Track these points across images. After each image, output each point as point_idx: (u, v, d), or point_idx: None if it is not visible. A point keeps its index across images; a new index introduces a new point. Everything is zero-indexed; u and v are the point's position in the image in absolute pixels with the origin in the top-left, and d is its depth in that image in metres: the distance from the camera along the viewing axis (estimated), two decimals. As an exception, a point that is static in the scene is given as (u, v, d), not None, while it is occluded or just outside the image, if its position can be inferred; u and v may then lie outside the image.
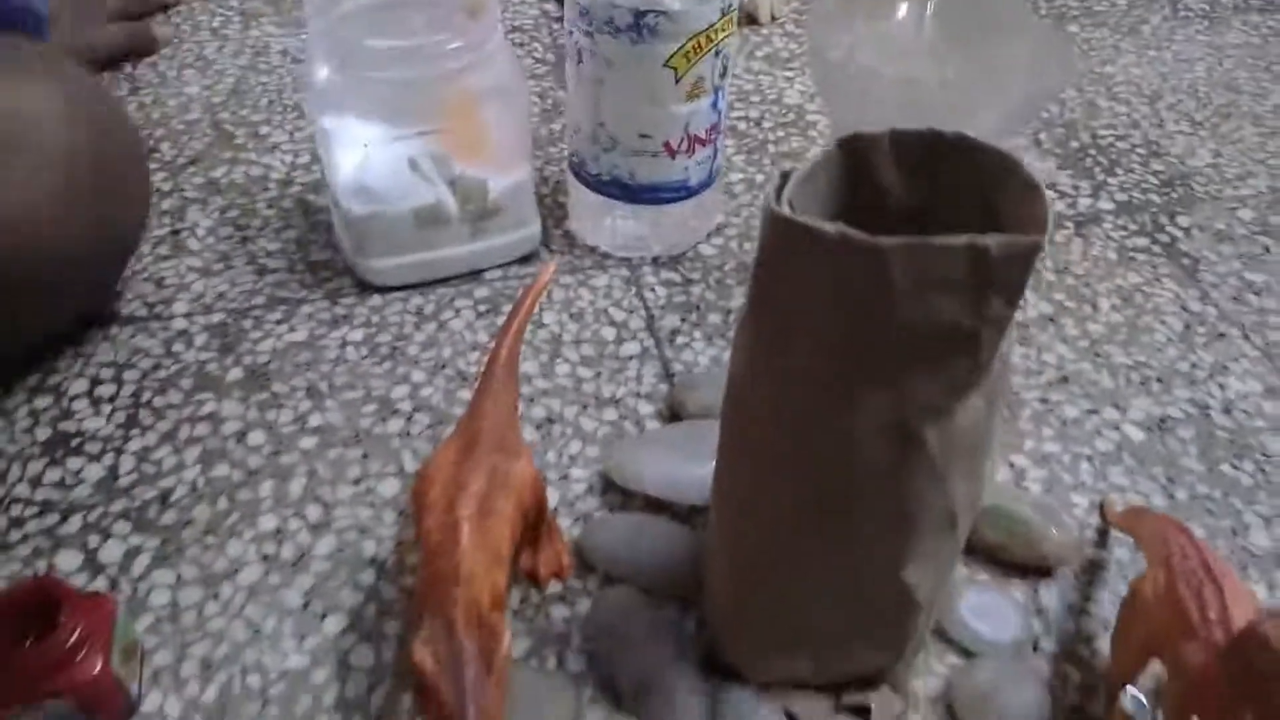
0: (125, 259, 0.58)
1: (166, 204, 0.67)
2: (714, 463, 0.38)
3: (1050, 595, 0.46)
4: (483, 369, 0.44)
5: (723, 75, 0.57)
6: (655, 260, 0.64)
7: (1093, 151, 0.75)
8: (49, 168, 0.49)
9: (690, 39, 0.53)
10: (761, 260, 0.30)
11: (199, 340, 0.58)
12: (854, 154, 0.31)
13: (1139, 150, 0.75)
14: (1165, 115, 0.79)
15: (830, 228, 0.27)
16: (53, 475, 0.51)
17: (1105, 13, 0.93)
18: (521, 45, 0.85)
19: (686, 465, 0.48)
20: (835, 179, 0.32)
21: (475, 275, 0.62)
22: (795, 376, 0.31)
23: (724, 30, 0.54)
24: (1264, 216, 0.69)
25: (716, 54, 0.55)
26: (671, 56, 0.53)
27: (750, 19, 0.87)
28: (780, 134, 0.75)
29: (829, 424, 0.31)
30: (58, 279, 0.51)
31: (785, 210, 0.29)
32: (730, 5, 0.54)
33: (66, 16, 0.74)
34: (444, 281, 0.61)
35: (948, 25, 0.65)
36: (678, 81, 0.55)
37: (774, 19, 0.88)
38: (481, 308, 0.60)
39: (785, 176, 0.30)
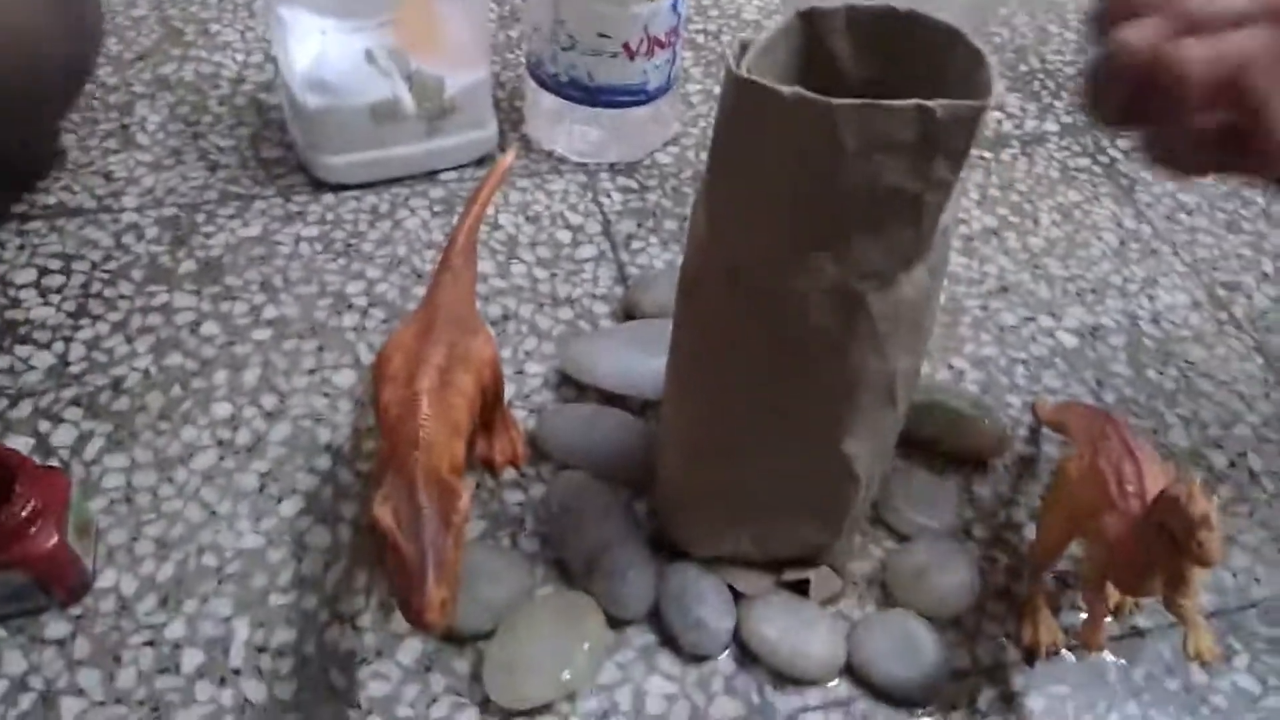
0: (81, 84, 0.58)
1: (114, 99, 0.66)
2: (667, 356, 0.40)
3: (983, 486, 0.49)
4: (442, 253, 0.44)
5: (683, -23, 0.57)
6: (612, 167, 0.64)
7: (1041, 75, 0.76)
8: None
9: (651, -62, 0.53)
10: (721, 124, 0.31)
11: (150, 233, 0.57)
12: (811, 26, 0.32)
13: (1085, 76, 0.77)
14: (1112, 44, 0.81)
15: (786, 89, 0.28)
16: (1, 362, 0.50)
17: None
18: (478, -49, 0.84)
19: (640, 360, 0.50)
20: (793, 51, 0.32)
21: (430, 176, 0.62)
22: (750, 239, 0.32)
23: (685, -70, 0.54)
24: (1200, 142, 0.72)
25: (677, -46, 0.55)
26: (632, -45, 0.53)
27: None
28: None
29: (780, 287, 0.32)
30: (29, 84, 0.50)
31: (743, 70, 0.29)
32: (692, -96, 0.54)
33: None
34: (398, 181, 0.61)
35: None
36: (638, -20, 0.55)
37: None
38: (437, 208, 0.60)
39: (745, 46, 0.31)
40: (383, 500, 0.33)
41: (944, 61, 0.31)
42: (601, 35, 0.57)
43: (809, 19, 0.32)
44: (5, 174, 0.57)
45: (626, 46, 0.57)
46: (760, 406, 0.36)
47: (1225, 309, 0.59)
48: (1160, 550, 0.34)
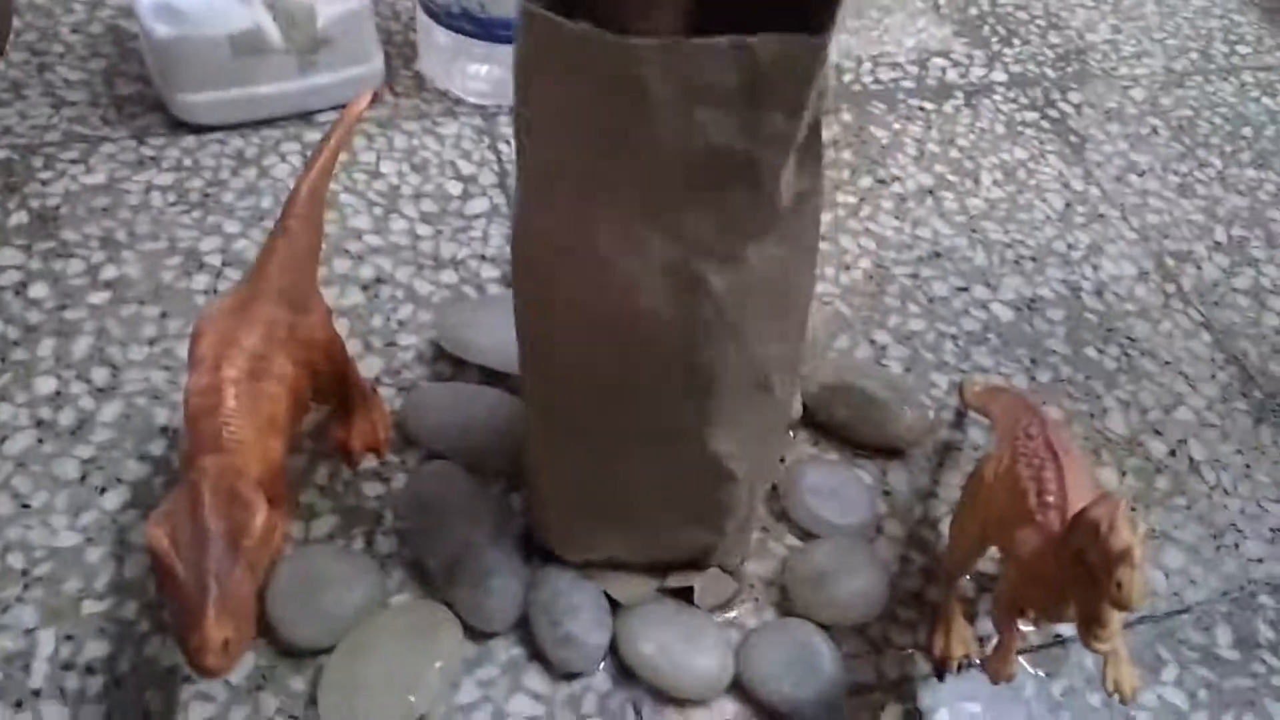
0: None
1: (-51, 21, 0.58)
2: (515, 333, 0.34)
3: (899, 477, 0.44)
4: (283, 207, 0.38)
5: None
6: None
7: (991, 20, 0.70)
8: None
9: None
10: (518, 68, 0.25)
11: (-23, 178, 0.50)
12: None
13: (1038, 21, 0.71)
14: (1070, -14, 0.75)
15: (573, 24, 0.23)
16: None
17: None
18: None
19: (523, 332, 0.44)
20: None
21: (306, 117, 0.55)
22: (572, 212, 0.27)
23: None
24: (1155, 97, 0.67)
25: None
26: None
27: None
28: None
29: (607, 267, 0.27)
30: None
31: (535, 6, 0.23)
32: None
33: None
34: (269, 123, 0.54)
35: None
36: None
37: None
38: (310, 153, 0.53)
39: None
40: (160, 518, 0.27)
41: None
42: (493, -39, 0.50)
43: None
44: None
45: (522, -26, 0.51)
46: (612, 400, 0.31)
47: (1174, 280, 0.55)
48: (1076, 580, 0.29)
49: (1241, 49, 0.72)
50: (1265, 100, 0.68)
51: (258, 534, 0.28)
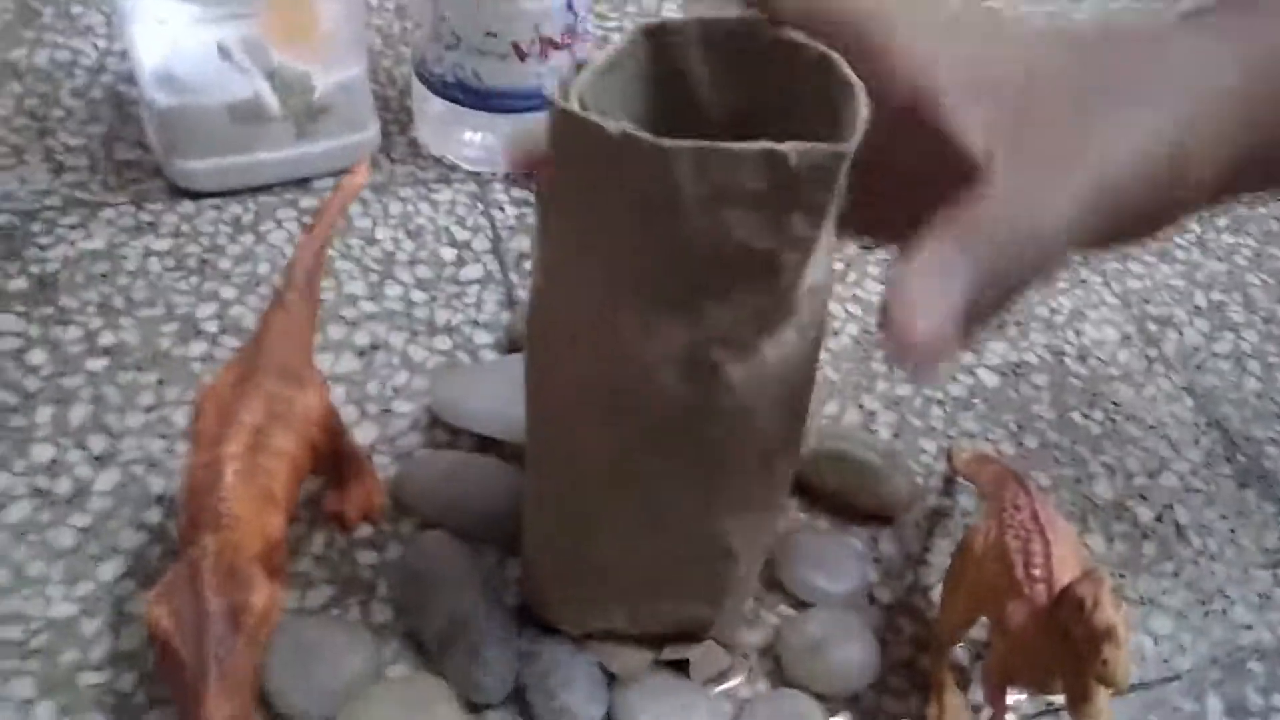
0: None
1: (-48, 86, 0.59)
2: (525, 407, 0.35)
3: (889, 544, 0.45)
4: (281, 279, 0.39)
5: (580, -28, 0.51)
6: (507, 176, 0.59)
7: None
8: None
9: (541, -73, 0.48)
10: (551, 166, 0.26)
11: (-23, 244, 0.51)
12: (659, 44, 0.28)
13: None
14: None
15: (613, 126, 0.24)
16: None
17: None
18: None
19: (520, 401, 0.44)
20: (641, 74, 0.28)
21: (302, 183, 0.56)
22: (592, 299, 0.27)
23: (580, -79, 0.49)
24: (1135, 161, 0.68)
25: (571, -54, 0.50)
26: (519, -54, 0.48)
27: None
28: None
29: (625, 352, 0.27)
30: None
31: (570, 103, 0.24)
32: (587, -108, 0.49)
33: None
34: (266, 189, 0.55)
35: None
36: (527, -25, 0.49)
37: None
38: (306, 219, 0.54)
39: (580, 67, 0.26)
40: (161, 596, 0.28)
41: (814, 89, 0.27)
42: (488, 34, 0.52)
43: (656, 35, 0.27)
44: None
45: (516, 46, 0.52)
46: (619, 479, 0.31)
47: (1155, 345, 0.56)
48: (1063, 655, 0.30)
49: (1216, 115, 0.74)
50: (1240, 165, 0.70)
51: (258, 612, 0.28)
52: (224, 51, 0.49)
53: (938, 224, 0.25)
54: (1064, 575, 0.32)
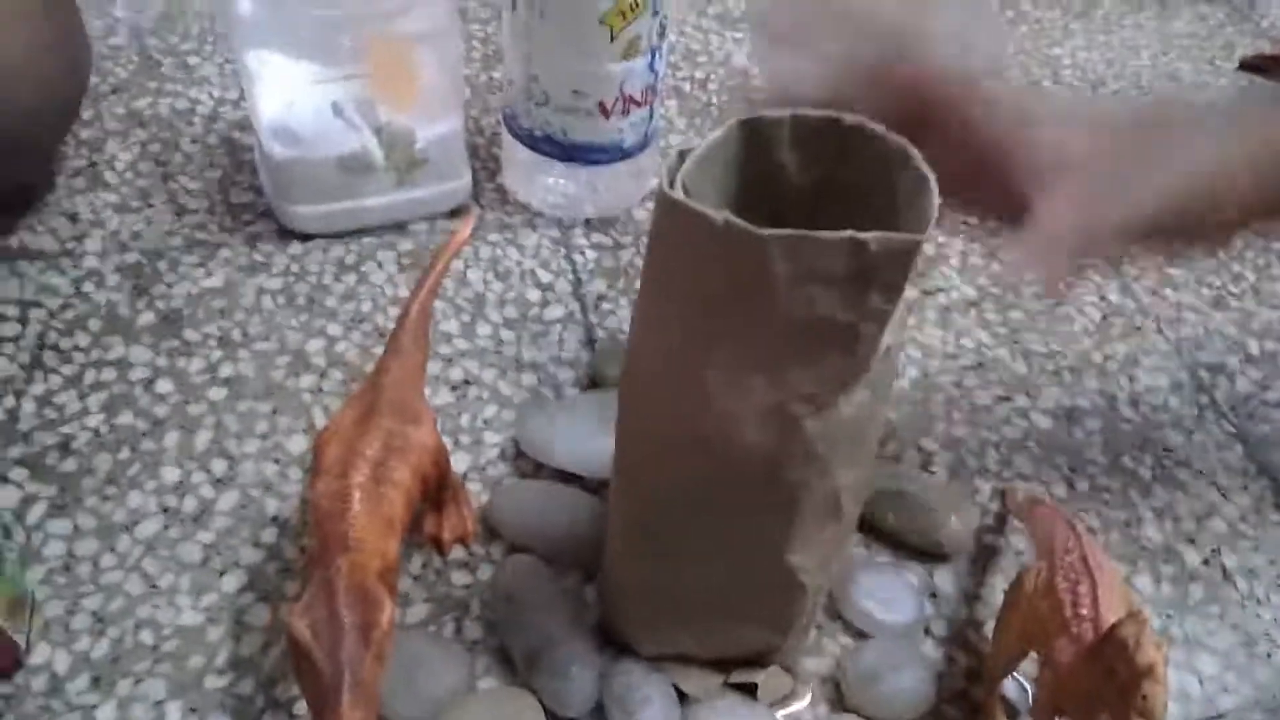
0: (74, 116, 0.61)
1: (85, 134, 0.65)
2: (614, 447, 0.38)
3: (945, 579, 0.48)
4: (392, 330, 0.43)
5: (661, 35, 0.55)
6: (588, 222, 0.63)
7: (1033, 134, 0.75)
8: (24, 17, 0.52)
9: (627, -2, 0.52)
10: (654, 240, 0.30)
11: (111, 281, 0.56)
12: (754, 134, 0.31)
13: (1079, 135, 0.76)
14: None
15: (717, 215, 0.27)
16: (-52, 415, 0.49)
17: (1061, -10, 0.93)
18: (467, -14, 0.82)
19: (598, 437, 0.48)
20: (734, 157, 0.31)
21: (400, 227, 0.60)
22: (684, 358, 0.31)
23: (663, -9, 0.53)
24: (1192, 210, 0.70)
25: (654, 13, 0.54)
26: (608, 13, 0.52)
27: (704, -26, 0.85)
28: (726, 98, 0.74)
29: (714, 407, 0.31)
30: (28, 127, 0.53)
31: (678, 193, 0.28)
32: (670, -34, 0.53)
33: None
34: (367, 232, 0.60)
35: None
36: (613, 39, 0.53)
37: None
38: (404, 260, 0.59)
39: (683, 156, 0.30)
40: (302, 611, 0.32)
41: (892, 176, 0.30)
42: (576, 93, 0.56)
43: (752, 128, 0.31)
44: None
45: (601, 105, 0.56)
46: (700, 515, 0.35)
47: (1207, 392, 0.58)
48: (1107, 691, 0.32)
49: (1274, 164, 0.76)
50: (1297, 215, 0.71)
51: (385, 627, 0.32)
52: (337, 109, 0.54)
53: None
54: (1110, 615, 0.35)
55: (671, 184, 0.29)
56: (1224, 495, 0.53)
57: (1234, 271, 0.66)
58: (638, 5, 0.52)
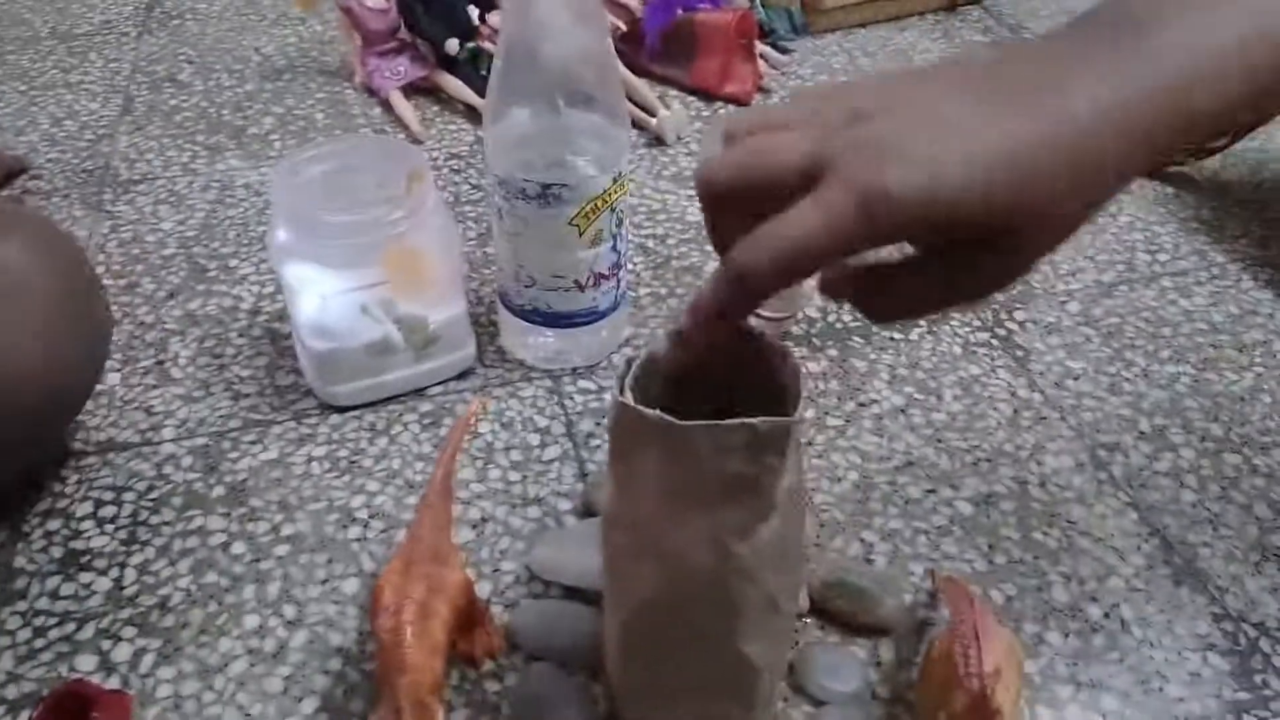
0: (92, 387, 0.66)
1: (150, 336, 0.78)
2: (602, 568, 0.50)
3: (888, 650, 0.58)
4: (425, 490, 0.55)
5: (619, 225, 0.68)
6: (574, 371, 0.75)
7: (950, 253, 0.87)
8: (34, 310, 0.57)
9: (589, 202, 0.65)
10: (612, 427, 0.42)
11: (185, 462, 0.68)
12: (682, 345, 0.43)
13: (990, 249, 0.88)
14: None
15: (653, 415, 0.39)
16: (67, 589, 0.61)
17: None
18: (458, 171, 0.97)
19: (595, 557, 0.59)
20: (669, 361, 0.43)
21: (420, 392, 0.73)
22: (641, 507, 0.43)
23: (617, 193, 0.66)
24: (1088, 308, 0.82)
25: (612, 210, 0.67)
26: (574, 217, 0.65)
27: (659, 140, 0.99)
28: (683, 249, 0.87)
29: (666, 538, 0.42)
30: (39, 413, 0.60)
31: (626, 398, 0.40)
32: (620, 174, 0.66)
33: None
34: (393, 400, 0.72)
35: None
36: (581, 235, 0.66)
37: (679, 139, 1.00)
38: (425, 420, 0.71)
39: (630, 364, 0.42)
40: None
41: (778, 372, 0.42)
42: (556, 275, 0.68)
43: (677, 338, 0.43)
44: (16, 467, 0.65)
45: (577, 282, 0.69)
46: (669, 621, 0.46)
47: (1105, 469, 0.69)
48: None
49: (1161, 256, 0.88)
50: (1181, 301, 0.83)
51: (439, 732, 0.43)
52: (365, 309, 0.67)
53: None
54: (991, 667, 0.46)
55: (621, 390, 0.41)
56: (1121, 557, 0.63)
57: (1126, 359, 0.77)
58: (598, 208, 0.65)
